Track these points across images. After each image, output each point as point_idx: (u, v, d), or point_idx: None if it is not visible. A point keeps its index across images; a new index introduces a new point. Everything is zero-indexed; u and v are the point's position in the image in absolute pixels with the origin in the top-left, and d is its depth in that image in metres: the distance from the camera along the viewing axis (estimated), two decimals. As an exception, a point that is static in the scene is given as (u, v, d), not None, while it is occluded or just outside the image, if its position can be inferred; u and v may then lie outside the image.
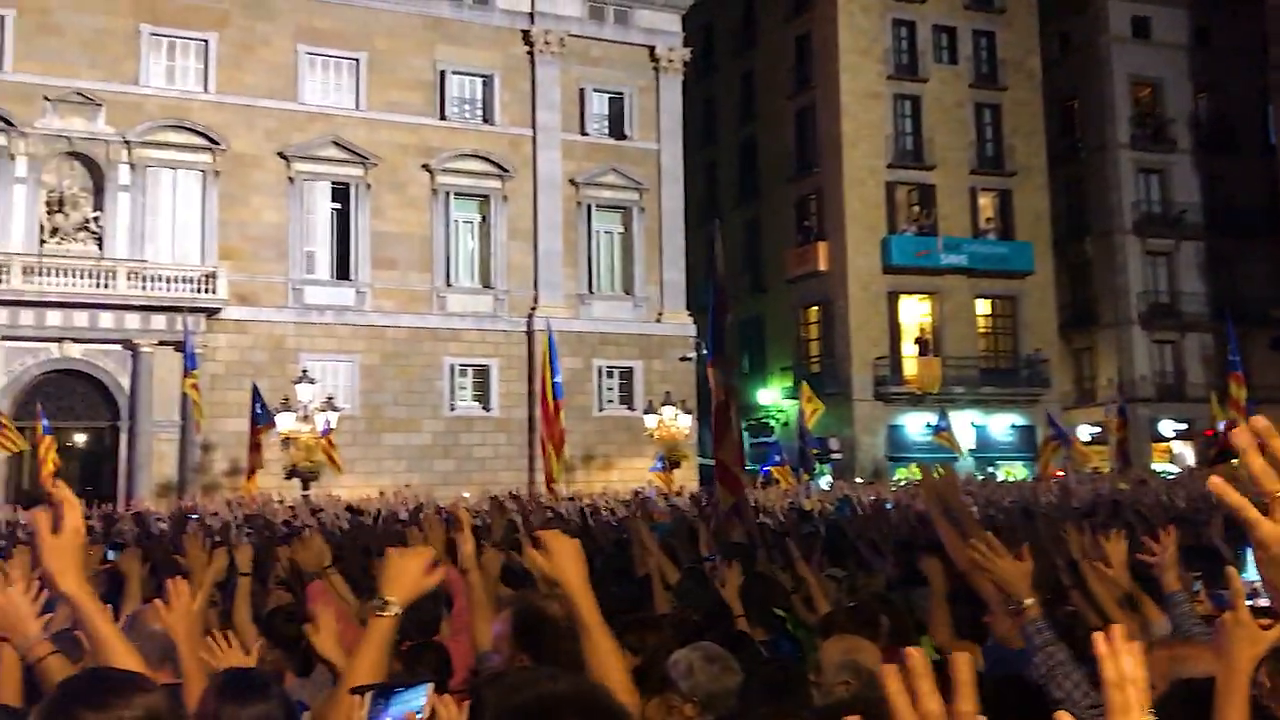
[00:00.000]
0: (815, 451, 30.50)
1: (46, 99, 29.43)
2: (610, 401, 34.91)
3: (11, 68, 29.31)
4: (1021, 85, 42.20)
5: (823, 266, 39.55)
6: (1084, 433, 39.69)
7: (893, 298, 39.56)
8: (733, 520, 9.30)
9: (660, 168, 36.29)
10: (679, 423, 30.25)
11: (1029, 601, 3.14)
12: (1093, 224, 43.68)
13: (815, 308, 40.68)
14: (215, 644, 3.32)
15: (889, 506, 15.62)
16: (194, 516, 16.00)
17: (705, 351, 20.26)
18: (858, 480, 31.52)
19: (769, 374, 41.85)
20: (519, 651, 3.01)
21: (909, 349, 39.62)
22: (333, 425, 26.64)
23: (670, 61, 36.87)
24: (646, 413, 31.46)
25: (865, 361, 38.57)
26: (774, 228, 42.35)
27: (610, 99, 36.36)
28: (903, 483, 27.04)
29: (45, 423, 24.83)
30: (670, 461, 29.25)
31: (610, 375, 35.11)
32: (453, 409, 33.16)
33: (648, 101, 36.51)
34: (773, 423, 40.88)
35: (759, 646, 4.54)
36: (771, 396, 41.38)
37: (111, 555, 7.24)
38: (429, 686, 1.92)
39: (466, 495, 25.24)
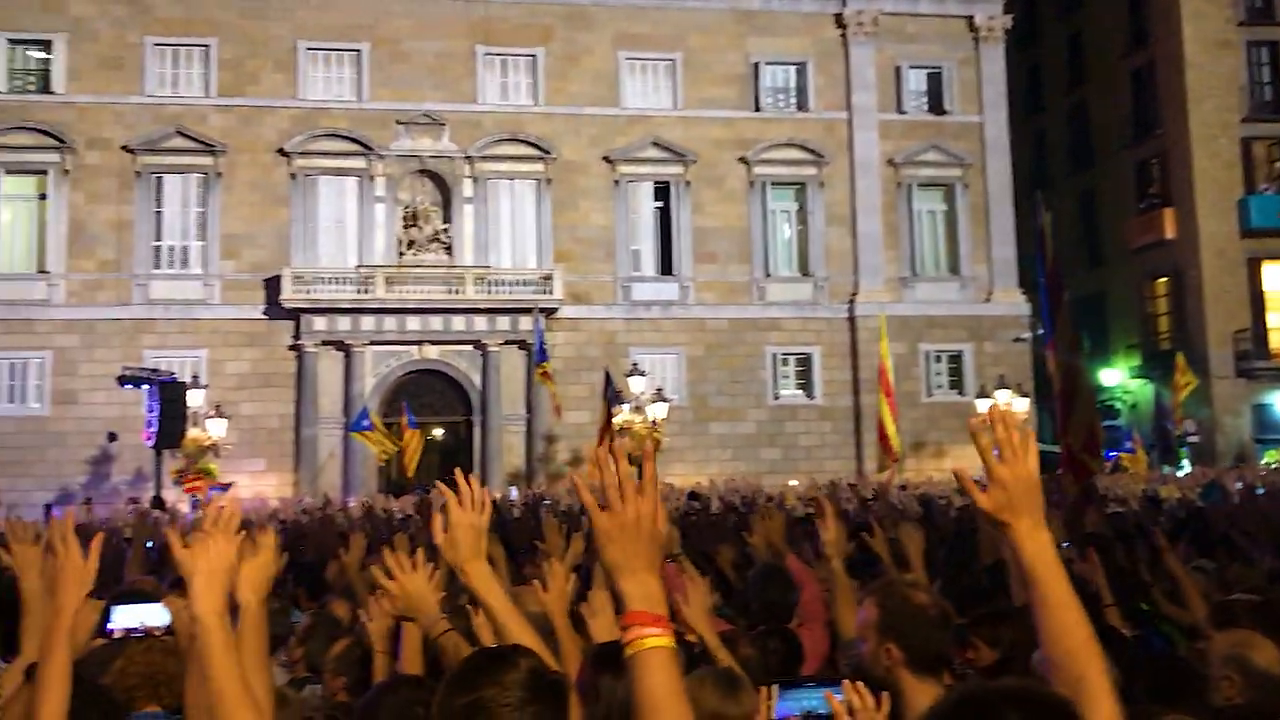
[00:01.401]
0: (1176, 434, 28.19)
1: (399, 123, 32.19)
2: (939, 387, 33.89)
3: (369, 96, 32.27)
4: (1406, 16, 37.23)
5: (1170, 234, 36.54)
6: None
7: (1253, 264, 35.94)
8: (1086, 508, 8.81)
9: (984, 141, 34.82)
10: (1015, 406, 28.92)
11: None
12: None
13: (1163, 279, 37.63)
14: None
15: (1259, 492, 14.27)
16: (546, 503, 16.95)
17: (1042, 332, 19.24)
18: (1225, 465, 28.90)
19: (1113, 353, 39.12)
20: (885, 639, 2.97)
21: (1275, 320, 35.87)
22: (663, 416, 27.51)
23: (990, 30, 35.29)
24: (978, 397, 30.26)
25: (1223, 336, 35.29)
26: (1112, 196, 39.57)
27: (928, 74, 35.25)
28: (1274, 466, 24.57)
29: (411, 418, 27.21)
30: (1007, 448, 27.94)
31: (938, 360, 34.07)
32: (776, 398, 33.33)
33: (968, 74, 35.13)
34: (1119, 405, 38.21)
35: (1132, 642, 4.26)
36: (1116, 377, 38.65)
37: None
38: (845, 685, 1.91)
39: (794, 483, 25.33)
